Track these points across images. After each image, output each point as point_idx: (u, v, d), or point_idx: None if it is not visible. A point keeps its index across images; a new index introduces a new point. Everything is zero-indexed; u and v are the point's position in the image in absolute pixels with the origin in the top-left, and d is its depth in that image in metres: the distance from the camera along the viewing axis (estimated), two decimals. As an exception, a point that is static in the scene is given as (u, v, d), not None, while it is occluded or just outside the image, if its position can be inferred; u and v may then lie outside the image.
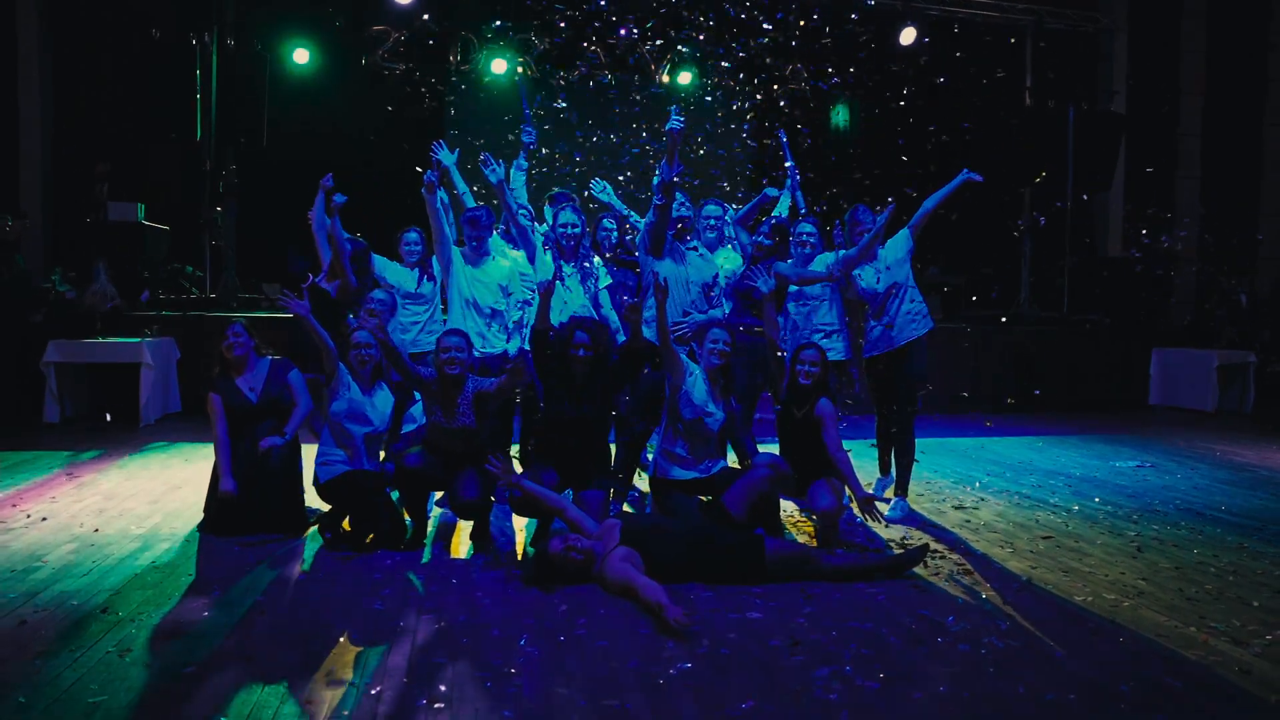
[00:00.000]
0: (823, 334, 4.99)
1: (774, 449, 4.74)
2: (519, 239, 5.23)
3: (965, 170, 4.96)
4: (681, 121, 4.71)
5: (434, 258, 5.39)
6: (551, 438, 4.48)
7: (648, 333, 4.75)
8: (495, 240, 5.35)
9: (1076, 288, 11.11)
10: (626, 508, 4.92)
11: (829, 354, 4.77)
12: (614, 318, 5.11)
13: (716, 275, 5.16)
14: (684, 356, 4.55)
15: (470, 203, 5.47)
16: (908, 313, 4.95)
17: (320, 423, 4.55)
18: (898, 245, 5.04)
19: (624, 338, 4.78)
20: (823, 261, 5.03)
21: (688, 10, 10.00)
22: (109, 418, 7.38)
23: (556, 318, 4.63)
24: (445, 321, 5.25)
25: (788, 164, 5.97)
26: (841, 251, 5.04)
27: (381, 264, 5.37)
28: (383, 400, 4.48)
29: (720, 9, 9.82)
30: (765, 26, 9.72)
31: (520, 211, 5.28)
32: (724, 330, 4.54)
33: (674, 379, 4.44)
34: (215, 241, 9.62)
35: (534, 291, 5.08)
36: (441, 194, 5.08)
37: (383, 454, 4.68)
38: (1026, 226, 11.17)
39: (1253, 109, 11.21)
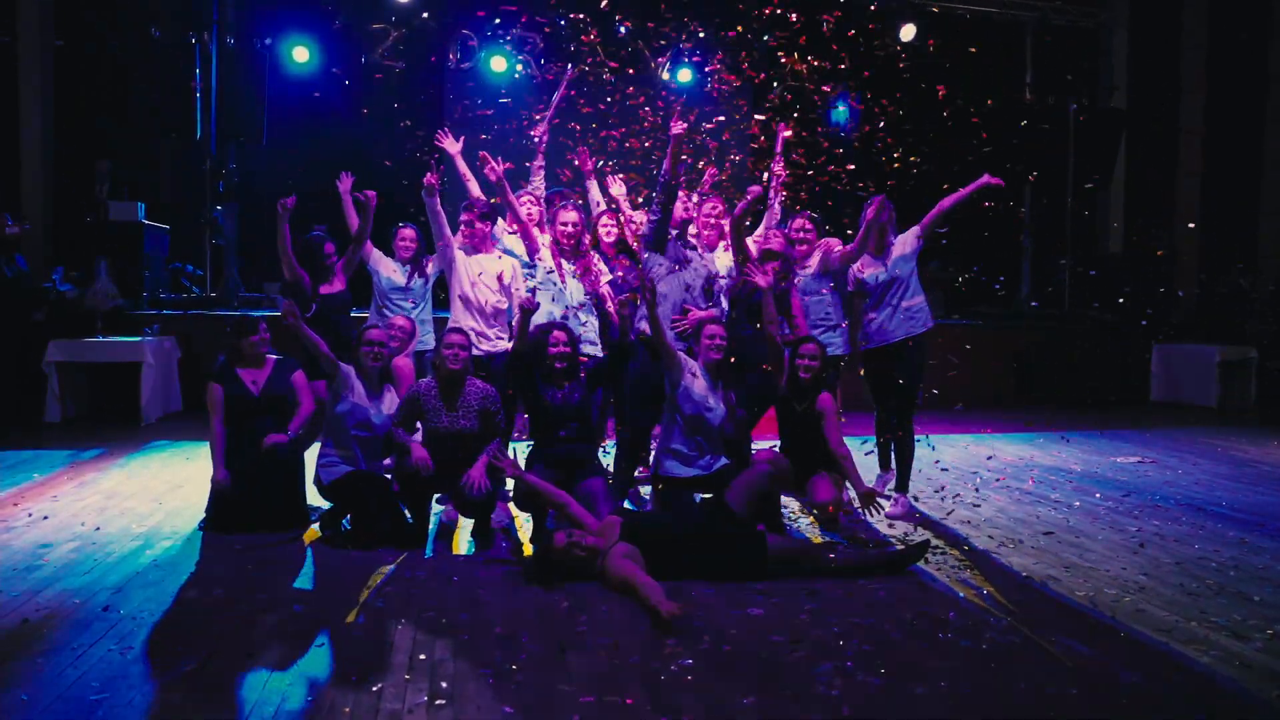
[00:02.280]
0: (822, 329, 4.99)
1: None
2: (520, 235, 5.23)
3: (985, 174, 4.89)
4: (684, 123, 4.70)
5: (428, 256, 5.39)
6: (547, 436, 4.48)
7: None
8: (497, 234, 5.34)
9: (1077, 284, 11.08)
10: (626, 504, 4.92)
11: (828, 349, 4.77)
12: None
13: (717, 273, 5.15)
14: (682, 353, 4.55)
15: (476, 193, 5.46)
16: (907, 308, 4.93)
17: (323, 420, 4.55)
18: (905, 241, 5.02)
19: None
20: (826, 246, 5.05)
21: (688, 10, 9.95)
22: None
23: (558, 314, 4.62)
24: (450, 320, 5.23)
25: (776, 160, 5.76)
26: (838, 250, 5.04)
27: (376, 257, 5.37)
28: (390, 402, 4.48)
29: (720, 8, 9.77)
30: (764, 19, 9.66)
31: (525, 199, 5.29)
32: (720, 325, 4.53)
33: (673, 375, 4.44)
34: (215, 240, 9.63)
35: (532, 278, 5.09)
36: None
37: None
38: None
39: (1254, 107, 11.17)
